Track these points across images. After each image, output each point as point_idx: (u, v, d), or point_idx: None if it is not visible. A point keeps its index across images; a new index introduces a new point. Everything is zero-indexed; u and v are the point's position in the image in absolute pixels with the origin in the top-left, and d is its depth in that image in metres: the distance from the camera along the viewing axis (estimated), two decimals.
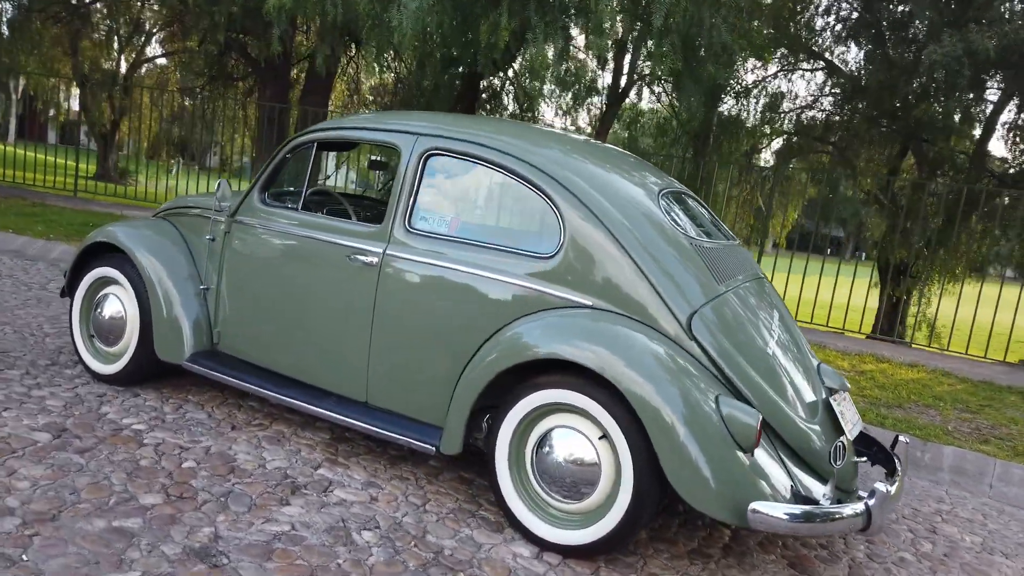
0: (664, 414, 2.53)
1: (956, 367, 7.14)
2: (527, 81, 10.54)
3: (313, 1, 7.62)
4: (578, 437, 2.75)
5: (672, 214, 3.06)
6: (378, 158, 5.91)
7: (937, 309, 9.00)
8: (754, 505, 2.46)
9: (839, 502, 2.75)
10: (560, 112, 12.36)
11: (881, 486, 2.59)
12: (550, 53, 8.40)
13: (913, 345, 9.51)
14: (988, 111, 10.78)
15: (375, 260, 3.17)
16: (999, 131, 10.93)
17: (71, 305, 3.98)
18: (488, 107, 12.36)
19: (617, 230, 2.82)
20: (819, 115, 12.29)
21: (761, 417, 2.58)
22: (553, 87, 11.65)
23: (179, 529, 2.58)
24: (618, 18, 8.55)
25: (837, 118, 11.97)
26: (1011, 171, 11.33)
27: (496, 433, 2.87)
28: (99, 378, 3.84)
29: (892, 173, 11.98)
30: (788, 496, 2.60)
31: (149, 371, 3.80)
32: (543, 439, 2.81)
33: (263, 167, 3.68)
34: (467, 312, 2.99)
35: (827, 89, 12.05)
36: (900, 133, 11.01)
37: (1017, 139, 10.75)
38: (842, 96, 11.74)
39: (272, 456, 3.28)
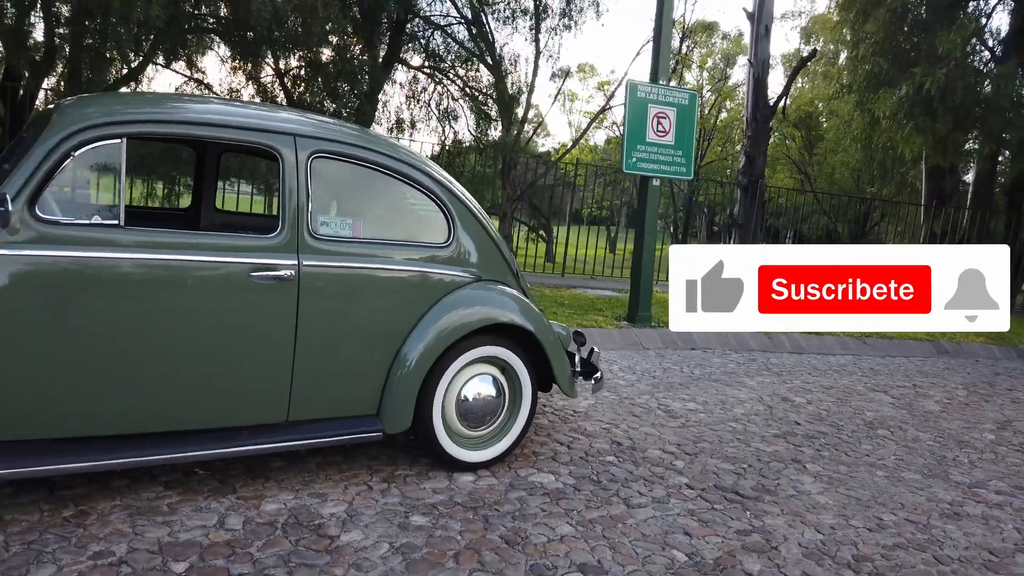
0: (550, 342, 3.73)
1: None
2: None
3: None
4: (484, 379, 3.59)
5: None
6: None
7: None
8: (595, 376, 4.00)
9: None
10: None
11: (596, 348, 4.44)
12: None
13: None
14: None
15: (291, 273, 2.96)
16: None
17: None
18: None
19: (483, 219, 3.64)
20: None
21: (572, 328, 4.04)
22: None
23: None
24: None
25: None
26: None
27: (433, 395, 3.40)
28: None
29: None
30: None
31: None
32: (460, 391, 3.52)
33: (19, 168, 2.54)
34: (394, 304, 3.27)
35: None
36: None
37: None
38: None
39: (205, 522, 2.78)
